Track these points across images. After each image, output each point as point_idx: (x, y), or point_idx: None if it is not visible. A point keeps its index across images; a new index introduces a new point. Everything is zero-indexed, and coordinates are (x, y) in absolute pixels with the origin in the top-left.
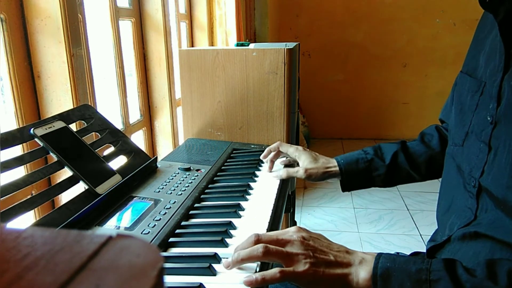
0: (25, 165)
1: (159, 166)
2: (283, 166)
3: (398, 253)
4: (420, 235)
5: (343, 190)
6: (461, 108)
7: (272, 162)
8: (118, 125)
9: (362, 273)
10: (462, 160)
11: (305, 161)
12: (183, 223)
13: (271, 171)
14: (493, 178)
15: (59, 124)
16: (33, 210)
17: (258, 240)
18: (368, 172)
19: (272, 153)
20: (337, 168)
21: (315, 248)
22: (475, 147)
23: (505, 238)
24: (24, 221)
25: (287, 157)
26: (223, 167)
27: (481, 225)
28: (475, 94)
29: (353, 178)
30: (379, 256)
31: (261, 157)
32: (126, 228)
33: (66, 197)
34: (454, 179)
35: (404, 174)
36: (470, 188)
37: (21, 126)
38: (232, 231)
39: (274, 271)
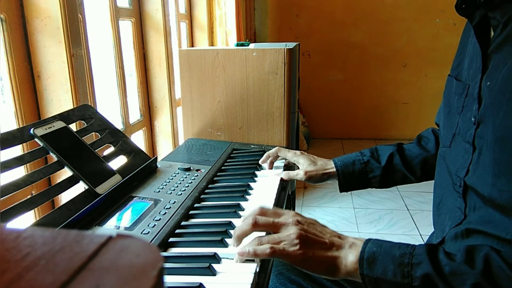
0: (25, 165)
1: (159, 166)
2: (283, 166)
3: None
4: (420, 235)
5: (341, 190)
6: (449, 111)
7: (272, 163)
8: (118, 125)
9: (350, 256)
10: (449, 161)
11: (304, 164)
12: (183, 223)
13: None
14: (478, 177)
15: (59, 124)
16: (33, 210)
17: (255, 223)
18: (364, 174)
19: (271, 158)
20: (335, 170)
21: (308, 230)
22: (461, 147)
23: (496, 232)
24: (24, 221)
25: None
26: (223, 167)
27: (472, 223)
28: (461, 97)
29: (350, 179)
30: (368, 241)
31: (260, 162)
32: (126, 228)
33: (66, 197)
34: (444, 181)
35: (399, 176)
36: (457, 188)
37: (21, 126)
38: (232, 231)
39: (265, 247)
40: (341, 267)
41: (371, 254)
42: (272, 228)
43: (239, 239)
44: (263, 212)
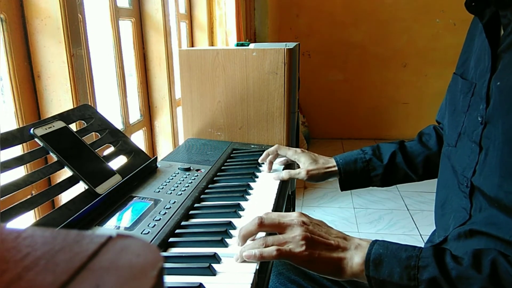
0: (25, 165)
1: (159, 166)
2: (283, 167)
3: None
4: (420, 235)
5: (342, 189)
6: (454, 109)
7: (271, 163)
8: (118, 125)
9: (356, 258)
10: (455, 161)
11: (305, 162)
12: (183, 223)
13: (270, 172)
14: (484, 178)
15: (59, 124)
16: (33, 210)
17: (261, 223)
18: (366, 172)
19: (271, 156)
20: (337, 168)
21: (314, 231)
22: (467, 147)
23: (499, 234)
24: (24, 221)
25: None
26: (223, 167)
27: (476, 223)
28: (467, 95)
29: (352, 178)
30: (374, 242)
31: (259, 160)
32: (126, 228)
33: (66, 197)
34: (449, 180)
35: (401, 174)
36: (464, 188)
37: (21, 126)
38: (232, 231)
39: (271, 249)
40: (346, 269)
41: (377, 256)
42: (278, 229)
43: (244, 239)
44: (268, 214)
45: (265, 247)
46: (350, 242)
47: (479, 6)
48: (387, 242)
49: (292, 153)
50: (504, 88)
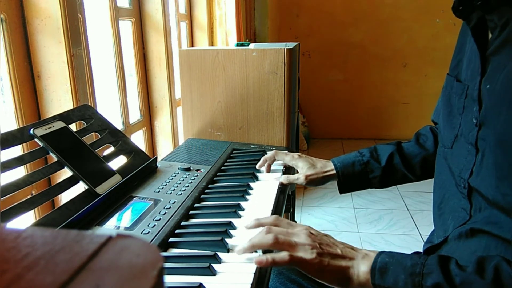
0: (25, 165)
1: (159, 166)
2: (282, 169)
3: None
4: (420, 235)
5: (341, 192)
6: (450, 111)
7: (269, 166)
8: (118, 125)
9: (362, 266)
10: (452, 162)
11: (303, 167)
12: (183, 223)
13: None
14: (482, 179)
15: (59, 124)
16: (33, 210)
17: (269, 233)
18: (364, 175)
19: (268, 162)
20: (335, 171)
21: (322, 242)
22: (464, 149)
23: (500, 233)
24: (24, 221)
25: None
26: (223, 167)
27: (477, 222)
28: (461, 97)
29: (350, 181)
30: (381, 253)
31: (257, 167)
32: (126, 228)
33: (66, 197)
34: (446, 180)
35: (399, 175)
36: (461, 189)
37: (21, 126)
38: (232, 231)
39: (283, 254)
40: (353, 278)
41: (383, 264)
42: (291, 248)
43: (253, 248)
44: (277, 222)
45: (276, 240)
46: (358, 252)
47: (466, 10)
48: (394, 252)
49: (290, 159)
50: (493, 91)
